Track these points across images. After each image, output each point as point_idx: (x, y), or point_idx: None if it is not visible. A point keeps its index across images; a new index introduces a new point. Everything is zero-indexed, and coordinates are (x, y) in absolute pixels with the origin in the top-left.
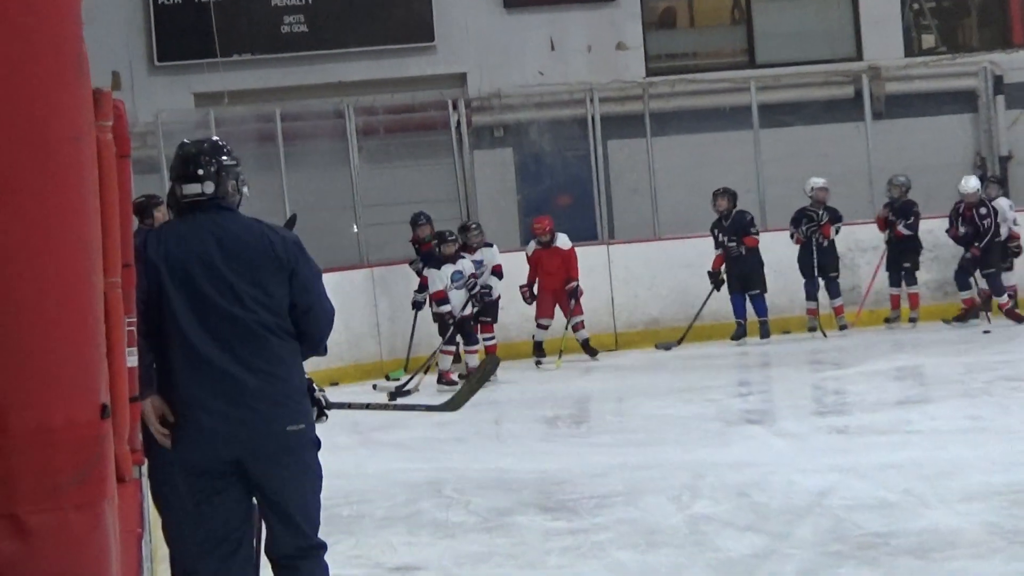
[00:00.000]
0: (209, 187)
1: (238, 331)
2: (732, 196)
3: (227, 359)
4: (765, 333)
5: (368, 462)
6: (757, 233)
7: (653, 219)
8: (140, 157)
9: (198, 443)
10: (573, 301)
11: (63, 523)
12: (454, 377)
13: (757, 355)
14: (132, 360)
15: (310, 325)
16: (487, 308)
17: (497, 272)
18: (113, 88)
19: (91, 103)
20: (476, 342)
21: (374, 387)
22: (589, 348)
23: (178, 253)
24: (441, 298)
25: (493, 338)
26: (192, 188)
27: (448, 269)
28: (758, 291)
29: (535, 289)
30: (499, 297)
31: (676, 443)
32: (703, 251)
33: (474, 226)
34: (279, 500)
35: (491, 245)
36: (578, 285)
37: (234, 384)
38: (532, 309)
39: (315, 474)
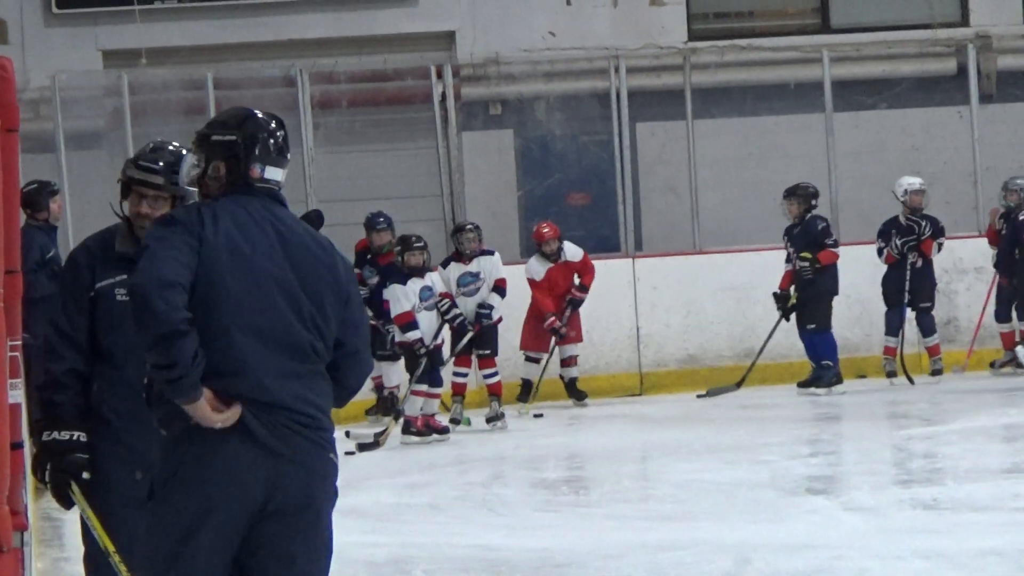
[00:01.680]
0: (284, 176)
1: (296, 350)
2: (804, 197)
3: (281, 379)
4: (829, 379)
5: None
6: (835, 244)
7: (692, 226)
8: (30, 132)
9: (233, 475)
10: (569, 312)
11: None
12: (422, 425)
13: (823, 406)
14: (15, 395)
15: (352, 370)
16: (484, 336)
17: (500, 288)
18: None
19: None
20: (441, 383)
21: (347, 434)
22: (576, 391)
23: (242, 243)
24: (408, 322)
25: (496, 374)
26: (277, 174)
27: (416, 284)
28: (814, 325)
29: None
30: (499, 320)
31: (715, 517)
32: (756, 268)
33: (470, 228)
34: (292, 549)
35: (492, 253)
36: (583, 300)
37: (281, 412)
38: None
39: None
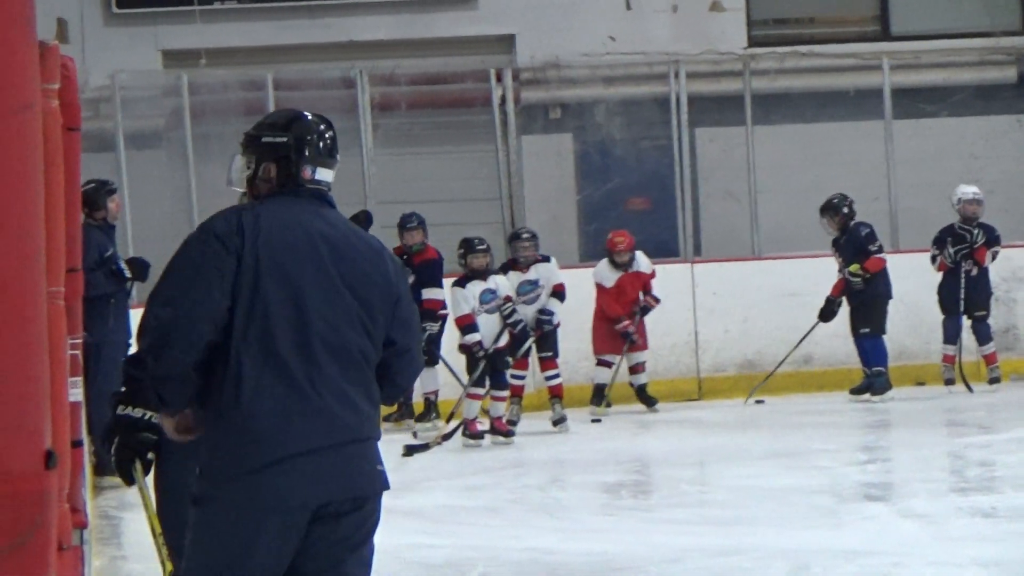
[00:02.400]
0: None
1: (341, 356)
2: (836, 209)
3: (325, 388)
4: (879, 388)
5: (375, 535)
6: (880, 250)
7: (751, 231)
8: (90, 131)
9: (276, 485)
10: (638, 318)
11: None
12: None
13: (881, 413)
14: (75, 393)
15: (403, 369)
16: (546, 338)
17: (559, 293)
18: (58, 41)
19: (37, 62)
20: (506, 387)
21: (415, 435)
22: (647, 396)
23: (282, 246)
24: (467, 324)
25: (558, 375)
26: (327, 175)
27: (476, 287)
28: (868, 330)
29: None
30: (559, 325)
31: (772, 523)
32: (814, 274)
33: (526, 236)
34: (344, 556)
35: (548, 259)
36: (652, 309)
37: (331, 418)
38: (587, 343)
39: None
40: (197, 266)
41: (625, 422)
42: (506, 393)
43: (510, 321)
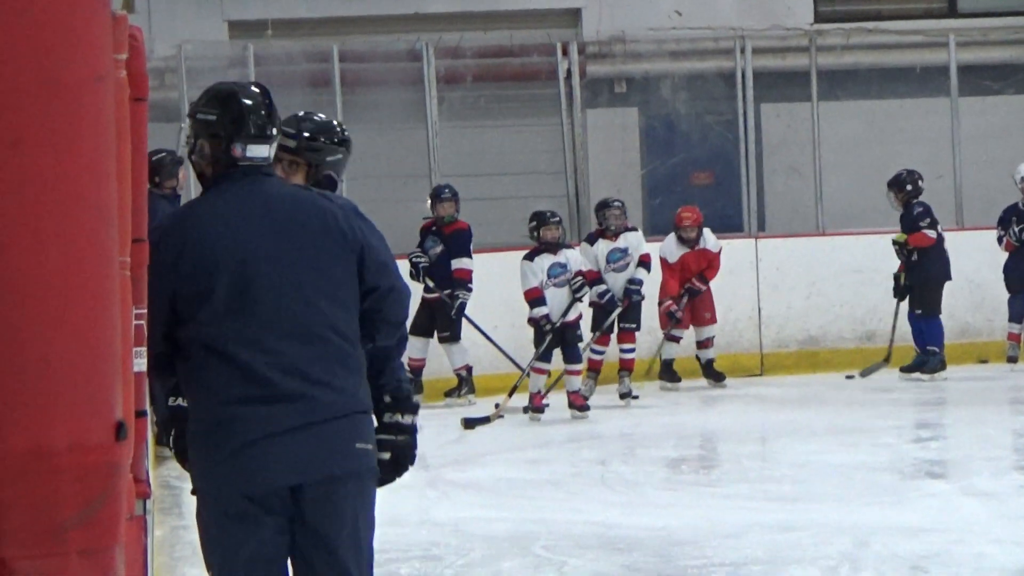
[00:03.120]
0: (272, 150)
1: (303, 336)
2: (900, 185)
3: (280, 370)
4: (931, 367)
5: (437, 508)
6: (929, 225)
7: (816, 207)
8: (154, 100)
9: (245, 470)
10: (685, 300)
11: (62, 572)
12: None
13: (943, 391)
14: (139, 363)
15: (392, 306)
16: (631, 311)
17: (645, 263)
18: (126, 11)
19: (111, 32)
20: (580, 359)
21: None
22: (714, 372)
23: (221, 238)
24: (535, 297)
25: (633, 350)
26: (261, 151)
27: (545, 260)
28: (921, 311)
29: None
30: (643, 298)
31: (833, 499)
32: (878, 251)
33: (616, 204)
34: (329, 535)
35: (635, 229)
36: (701, 292)
37: (297, 400)
38: (653, 318)
39: (373, 512)
40: (150, 281)
41: (688, 397)
42: (580, 367)
43: (579, 295)
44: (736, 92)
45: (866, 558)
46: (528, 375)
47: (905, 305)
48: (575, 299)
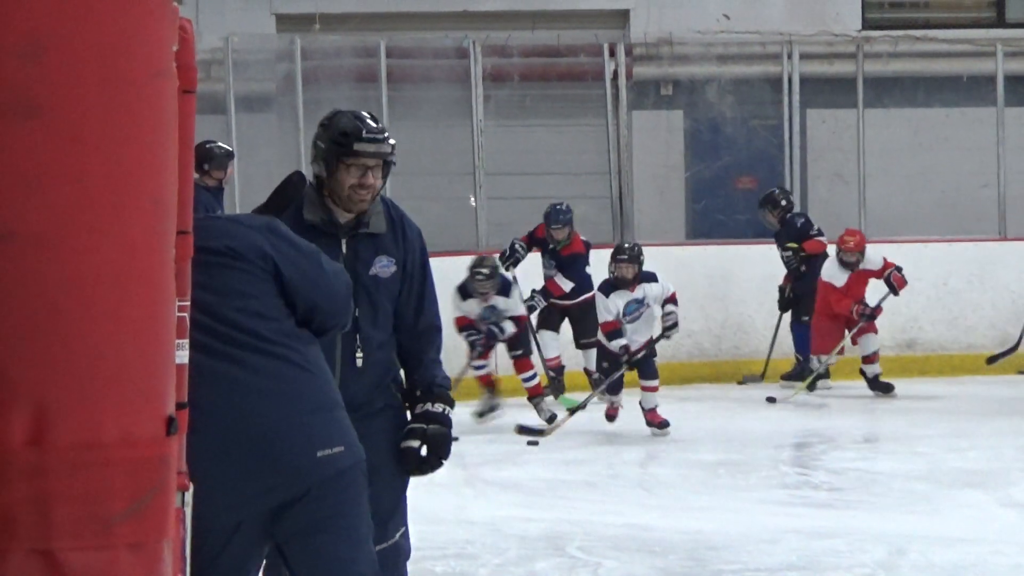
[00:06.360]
0: None
1: (237, 344)
2: (775, 200)
3: (223, 388)
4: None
5: (473, 506)
6: (819, 232)
7: (859, 213)
8: (201, 92)
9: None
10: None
11: (110, 566)
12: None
13: (981, 400)
14: (181, 355)
15: (323, 318)
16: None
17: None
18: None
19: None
20: (656, 375)
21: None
22: (880, 384)
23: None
24: (612, 330)
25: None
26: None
27: (621, 299)
28: (807, 318)
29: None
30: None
31: (870, 506)
32: (920, 259)
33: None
34: (311, 538)
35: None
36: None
37: (238, 416)
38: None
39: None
40: None
41: (726, 402)
42: (656, 383)
43: (668, 333)
44: (782, 97)
45: (902, 567)
46: (595, 400)
47: (788, 316)
48: (662, 336)
